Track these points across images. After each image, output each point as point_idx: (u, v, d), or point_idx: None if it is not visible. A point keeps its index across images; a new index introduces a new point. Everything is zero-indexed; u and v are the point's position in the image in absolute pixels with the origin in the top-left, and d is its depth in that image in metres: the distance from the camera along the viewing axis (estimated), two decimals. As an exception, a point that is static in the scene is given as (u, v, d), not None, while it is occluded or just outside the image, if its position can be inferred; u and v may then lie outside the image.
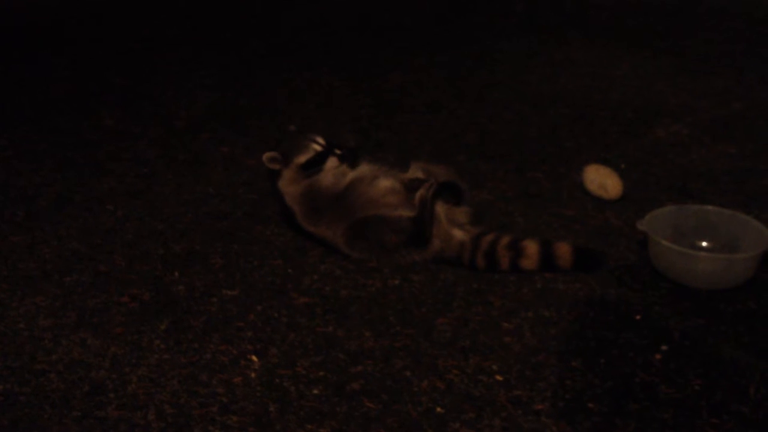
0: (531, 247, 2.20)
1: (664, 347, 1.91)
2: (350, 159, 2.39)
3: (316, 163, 2.36)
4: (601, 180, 2.56)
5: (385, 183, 2.33)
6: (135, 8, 5.17)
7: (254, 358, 1.90)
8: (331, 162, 2.37)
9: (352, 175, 2.36)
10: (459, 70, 3.85)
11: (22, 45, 4.45)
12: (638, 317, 2.02)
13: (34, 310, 2.09)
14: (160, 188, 2.75)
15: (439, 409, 1.73)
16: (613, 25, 4.47)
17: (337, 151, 2.38)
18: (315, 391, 1.79)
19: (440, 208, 2.29)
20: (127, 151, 3.04)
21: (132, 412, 1.73)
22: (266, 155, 2.36)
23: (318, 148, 2.37)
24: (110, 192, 2.73)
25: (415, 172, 2.36)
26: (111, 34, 4.60)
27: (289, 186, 2.38)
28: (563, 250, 2.19)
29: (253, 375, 1.84)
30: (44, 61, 4.15)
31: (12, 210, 2.61)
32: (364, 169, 2.38)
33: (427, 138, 3.09)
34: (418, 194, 2.25)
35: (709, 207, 2.31)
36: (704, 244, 2.27)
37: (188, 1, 5.33)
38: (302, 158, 2.36)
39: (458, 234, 2.27)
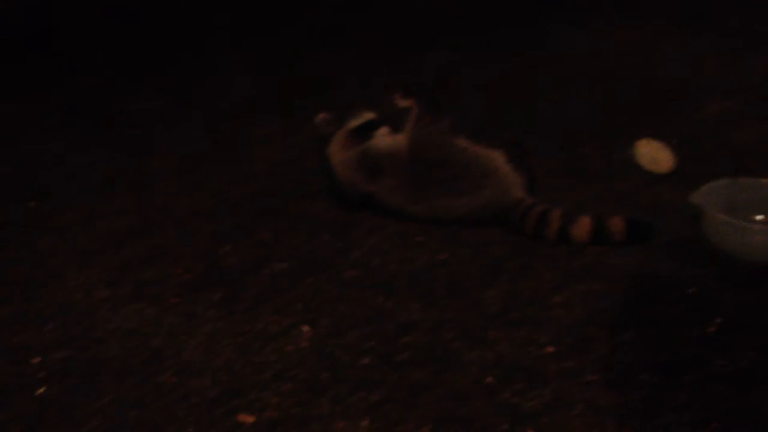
0: (584, 219, 2.19)
1: (717, 320, 1.88)
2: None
3: (368, 129, 2.39)
4: (653, 154, 2.53)
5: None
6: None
7: (305, 328, 1.93)
8: (382, 131, 2.40)
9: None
10: (504, 49, 3.83)
11: (69, 31, 4.54)
12: (691, 291, 2.00)
13: (91, 281, 2.14)
14: (208, 167, 2.79)
15: (488, 379, 1.74)
16: (659, 3, 4.40)
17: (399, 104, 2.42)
18: (365, 361, 1.81)
19: (500, 160, 2.31)
20: (174, 132, 3.09)
21: (188, 379, 1.76)
22: (319, 116, 2.40)
23: (371, 116, 2.41)
24: (160, 171, 2.78)
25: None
26: (155, 22, 4.67)
27: (339, 152, 2.41)
28: (616, 222, 2.18)
29: (304, 344, 1.87)
30: (91, 47, 4.23)
31: (66, 188, 2.67)
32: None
33: (472, 116, 3.08)
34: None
35: (764, 180, 2.27)
36: (758, 217, 2.24)
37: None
38: (354, 123, 2.39)
39: (517, 191, 2.28)
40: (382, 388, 1.73)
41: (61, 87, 3.65)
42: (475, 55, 3.76)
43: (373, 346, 1.86)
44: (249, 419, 1.66)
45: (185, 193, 2.61)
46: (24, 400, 1.74)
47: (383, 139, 2.41)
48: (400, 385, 1.73)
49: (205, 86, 3.58)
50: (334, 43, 4.01)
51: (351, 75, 3.60)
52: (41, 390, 1.76)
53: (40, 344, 1.90)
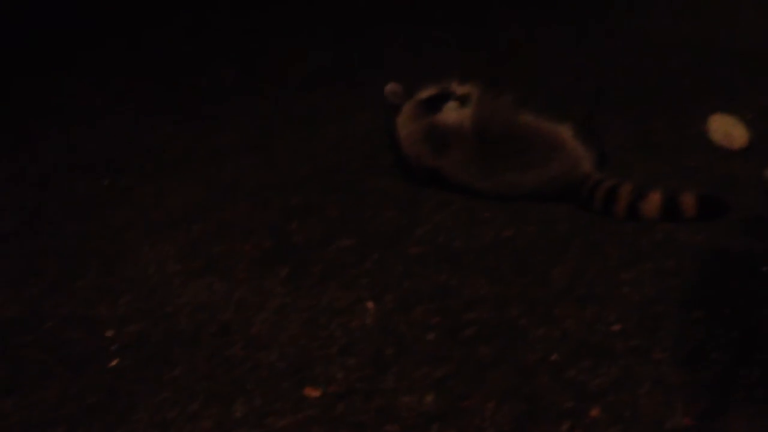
0: (654, 195, 2.14)
1: (792, 299, 1.83)
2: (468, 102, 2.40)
3: (438, 100, 2.37)
4: (727, 129, 2.46)
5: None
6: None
7: (370, 304, 1.94)
8: (451, 105, 2.38)
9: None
10: (575, 19, 3.75)
11: (142, 9, 4.62)
12: (765, 269, 1.94)
13: (163, 255, 2.20)
14: (277, 142, 2.83)
15: (554, 357, 1.73)
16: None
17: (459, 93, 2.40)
18: (430, 336, 1.82)
19: (567, 134, 2.29)
20: (245, 106, 3.14)
21: (257, 352, 1.81)
22: (388, 87, 2.40)
23: (440, 89, 2.40)
24: (230, 146, 2.83)
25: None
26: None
27: (407, 124, 2.40)
28: (687, 198, 2.13)
29: (369, 320, 1.89)
30: (164, 23, 4.31)
31: (140, 163, 2.74)
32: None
33: (541, 87, 3.04)
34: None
35: None
36: (837, 194, 2.16)
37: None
38: (424, 94, 2.39)
39: (585, 166, 2.26)
40: (447, 363, 1.74)
41: (133, 63, 3.74)
42: (547, 25, 3.69)
43: (438, 322, 1.87)
44: (315, 393, 1.69)
45: (255, 169, 2.65)
46: (98, 371, 1.81)
47: (450, 112, 2.40)
48: (465, 361, 1.74)
49: (276, 60, 3.61)
50: (406, 16, 3.99)
51: (424, 47, 3.58)
52: (115, 362, 1.83)
53: (114, 317, 1.97)
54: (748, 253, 2.00)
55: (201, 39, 3.99)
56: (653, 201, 2.14)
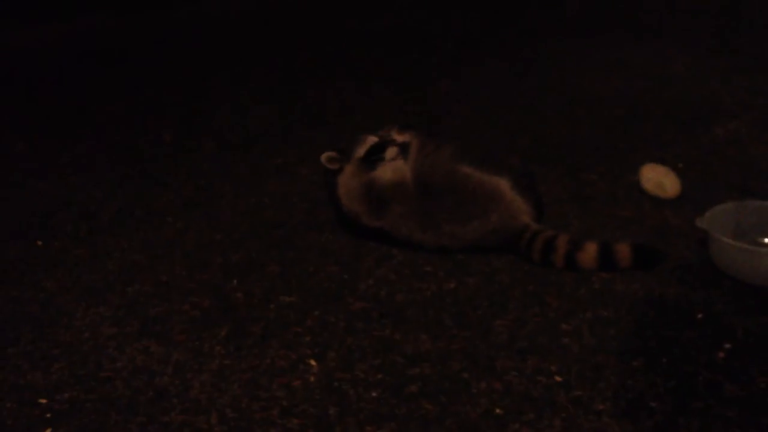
0: (590, 245, 2.19)
1: (727, 345, 1.87)
2: (407, 151, 2.42)
3: (376, 152, 2.39)
4: (659, 179, 2.53)
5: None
6: (187, 29, 5.29)
7: (313, 362, 1.92)
8: (391, 152, 2.40)
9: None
10: (509, 75, 3.84)
11: (82, 67, 4.59)
12: (700, 316, 1.98)
13: (98, 319, 2.14)
14: (217, 200, 2.80)
15: (498, 410, 1.73)
16: (665, 25, 4.42)
17: (396, 139, 2.41)
18: (373, 394, 1.80)
19: (505, 186, 2.31)
20: (184, 165, 3.11)
21: (195, 417, 1.76)
22: (325, 155, 2.41)
23: (374, 140, 2.42)
24: (169, 205, 2.79)
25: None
26: (166, 55, 4.72)
27: (350, 182, 2.41)
28: (622, 248, 2.17)
29: (312, 379, 1.86)
30: (103, 82, 4.28)
31: (75, 225, 2.68)
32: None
33: (478, 143, 3.09)
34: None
35: (771, 203, 2.26)
36: (766, 240, 2.22)
37: (238, 20, 5.43)
38: (361, 151, 2.40)
39: (524, 217, 2.29)
40: (391, 421, 1.72)
41: (69, 123, 3.69)
42: (481, 82, 3.77)
43: (382, 378, 1.85)
44: (256, 457, 1.65)
45: (194, 227, 2.62)
46: (31, 441, 1.74)
47: (389, 167, 2.41)
48: (409, 418, 1.72)
49: (216, 119, 3.61)
50: (344, 75, 4.05)
51: (360, 104, 3.62)
52: (48, 431, 1.76)
53: (47, 385, 1.89)
54: (683, 301, 2.04)
55: (139, 98, 3.97)
56: (590, 251, 2.18)
